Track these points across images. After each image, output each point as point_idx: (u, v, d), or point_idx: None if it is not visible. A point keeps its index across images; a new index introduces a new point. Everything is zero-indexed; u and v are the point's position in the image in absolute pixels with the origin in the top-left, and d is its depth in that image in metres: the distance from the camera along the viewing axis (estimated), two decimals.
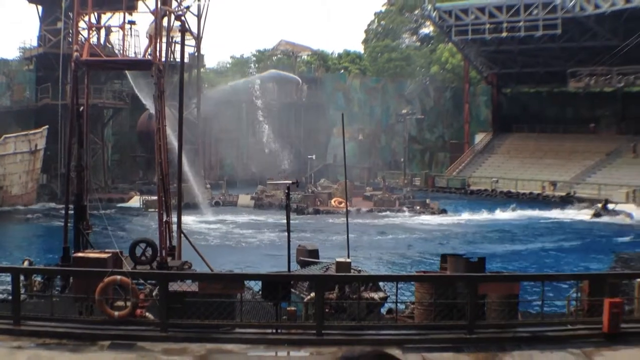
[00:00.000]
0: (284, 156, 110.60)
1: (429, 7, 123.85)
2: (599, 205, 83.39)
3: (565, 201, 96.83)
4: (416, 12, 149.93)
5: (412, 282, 25.76)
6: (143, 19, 63.41)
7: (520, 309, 25.18)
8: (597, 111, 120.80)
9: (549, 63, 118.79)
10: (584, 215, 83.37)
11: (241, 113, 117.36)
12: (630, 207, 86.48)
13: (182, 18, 42.98)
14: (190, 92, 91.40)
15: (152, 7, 36.43)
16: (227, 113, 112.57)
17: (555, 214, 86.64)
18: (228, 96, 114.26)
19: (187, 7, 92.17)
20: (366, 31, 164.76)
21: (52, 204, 76.66)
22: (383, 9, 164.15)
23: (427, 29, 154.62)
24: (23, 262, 30.96)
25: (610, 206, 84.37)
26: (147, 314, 22.46)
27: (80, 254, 28.05)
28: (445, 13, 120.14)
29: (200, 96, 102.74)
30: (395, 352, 19.62)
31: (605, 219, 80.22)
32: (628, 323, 23.25)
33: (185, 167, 40.97)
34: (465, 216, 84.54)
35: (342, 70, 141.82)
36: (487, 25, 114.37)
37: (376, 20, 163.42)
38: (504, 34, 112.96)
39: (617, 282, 26.38)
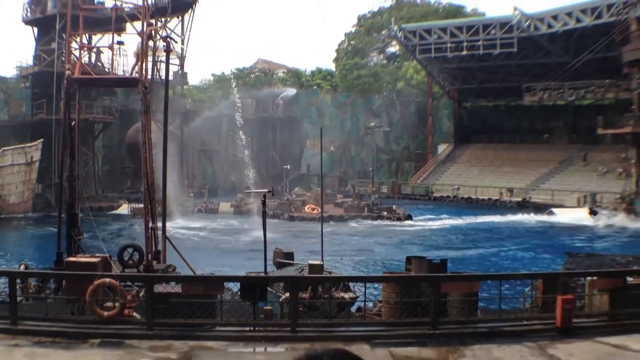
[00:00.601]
0: (252, 167, 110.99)
1: (395, 27, 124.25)
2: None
3: (521, 206, 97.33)
4: (383, 32, 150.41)
5: (380, 283, 25.83)
6: (131, 39, 63.73)
7: (479, 306, 25.28)
8: (550, 123, 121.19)
9: (506, 79, 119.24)
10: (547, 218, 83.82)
11: (222, 127, 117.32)
12: (581, 212, 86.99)
13: (168, 39, 43.10)
14: (176, 109, 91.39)
15: (140, 29, 36.64)
16: (209, 127, 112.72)
17: (518, 217, 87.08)
18: (209, 111, 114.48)
19: (170, 34, 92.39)
20: (337, 50, 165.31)
21: (47, 212, 76.55)
22: (353, 29, 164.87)
23: (394, 48, 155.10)
24: (19, 266, 30.91)
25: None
26: (134, 313, 22.47)
27: (72, 259, 28.00)
28: (410, 33, 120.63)
29: (185, 112, 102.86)
30: (364, 347, 19.86)
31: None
32: (579, 318, 23.36)
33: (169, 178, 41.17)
34: (429, 221, 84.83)
35: (315, 87, 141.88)
36: (449, 44, 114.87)
37: (346, 40, 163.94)
38: (464, 52, 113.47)
39: (569, 280, 26.51)
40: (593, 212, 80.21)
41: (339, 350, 2.85)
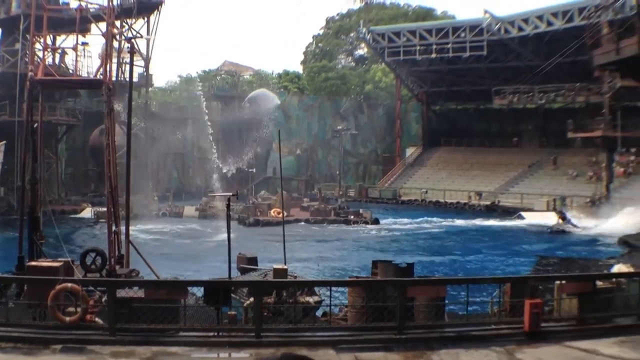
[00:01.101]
0: (218, 170, 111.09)
1: (364, 30, 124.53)
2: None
3: (490, 210, 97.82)
4: (351, 35, 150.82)
5: (345, 287, 25.84)
6: (96, 41, 63.64)
7: (446, 310, 25.34)
8: (520, 126, 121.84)
9: (476, 82, 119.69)
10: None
11: (186, 129, 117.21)
12: (550, 215, 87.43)
13: (132, 40, 43.12)
14: (140, 111, 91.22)
15: (104, 30, 36.65)
16: (174, 130, 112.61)
17: (488, 222, 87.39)
18: (175, 114, 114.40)
19: (135, 35, 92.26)
20: (305, 53, 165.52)
21: (9, 216, 76.11)
22: (321, 32, 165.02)
23: (362, 51, 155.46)
24: None
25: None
26: (96, 319, 22.38)
27: (33, 263, 27.87)
28: (378, 36, 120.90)
29: (151, 114, 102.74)
30: (329, 352, 19.86)
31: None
32: (548, 322, 23.49)
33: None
34: (396, 225, 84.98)
35: (282, 89, 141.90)
36: (418, 47, 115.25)
37: (314, 43, 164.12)
38: (434, 55, 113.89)
39: (537, 284, 26.60)
40: (563, 217, 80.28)
41: (287, 355, 2.85)
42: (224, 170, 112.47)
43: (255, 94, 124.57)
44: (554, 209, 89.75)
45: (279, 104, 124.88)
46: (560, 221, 77.91)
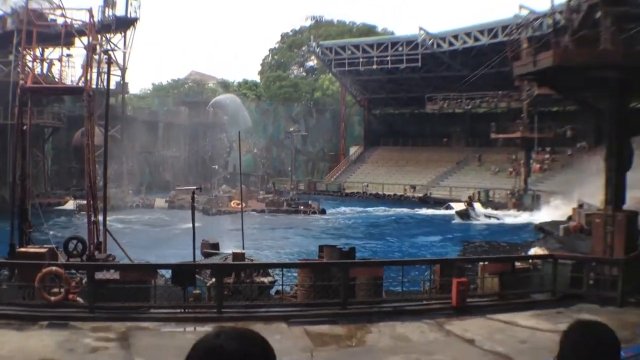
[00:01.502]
0: (185, 167, 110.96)
1: (314, 44, 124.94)
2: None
3: (423, 201, 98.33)
4: (303, 48, 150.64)
5: (296, 268, 25.90)
6: (79, 52, 63.37)
7: (384, 288, 25.42)
8: (449, 128, 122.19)
9: (411, 89, 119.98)
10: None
11: (158, 131, 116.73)
12: (476, 206, 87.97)
13: (110, 52, 43.00)
14: (117, 115, 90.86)
15: (86, 42, 36.79)
16: (147, 131, 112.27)
17: (422, 211, 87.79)
18: (148, 117, 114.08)
19: (113, 48, 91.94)
20: (262, 64, 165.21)
21: (2, 208, 75.41)
22: (276, 46, 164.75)
23: (312, 62, 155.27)
24: None
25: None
26: (78, 298, 22.47)
27: (23, 249, 27.85)
28: (326, 49, 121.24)
29: (126, 117, 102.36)
30: (282, 325, 19.94)
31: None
32: (473, 298, 23.78)
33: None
34: (342, 215, 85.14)
35: (242, 96, 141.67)
36: (361, 59, 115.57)
37: (270, 55, 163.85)
38: (375, 67, 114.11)
39: (463, 265, 26.74)
40: (470, 203, 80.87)
41: (239, 330, 2.80)
42: (190, 168, 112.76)
43: (220, 99, 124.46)
44: (479, 200, 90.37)
45: (242, 107, 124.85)
46: (466, 206, 78.45)
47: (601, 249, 27.38)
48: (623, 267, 24.06)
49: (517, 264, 26.46)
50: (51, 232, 41.94)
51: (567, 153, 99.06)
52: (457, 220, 75.36)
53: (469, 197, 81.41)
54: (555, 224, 61.85)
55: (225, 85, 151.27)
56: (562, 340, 3.65)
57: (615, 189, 28.28)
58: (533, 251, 38.00)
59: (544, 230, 60.59)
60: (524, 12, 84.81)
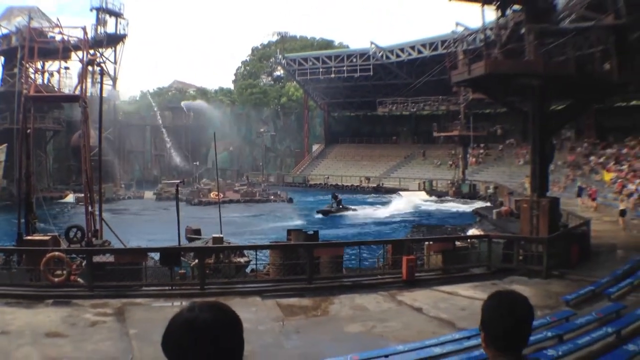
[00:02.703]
0: (170, 163, 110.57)
1: (280, 57, 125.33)
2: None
3: (376, 190, 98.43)
4: (271, 60, 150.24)
5: (267, 250, 25.93)
6: (75, 65, 63.09)
7: (344, 266, 25.50)
8: (398, 128, 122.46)
9: (364, 95, 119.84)
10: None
11: (145, 133, 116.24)
12: (421, 193, 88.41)
13: (102, 65, 42.75)
14: (109, 119, 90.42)
15: (81, 57, 36.76)
16: (136, 133, 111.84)
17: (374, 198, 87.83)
18: (136, 121, 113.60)
19: (104, 61, 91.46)
20: (235, 74, 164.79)
21: (11, 202, 74.92)
22: (247, 58, 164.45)
23: (279, 72, 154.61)
24: None
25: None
26: (78, 279, 22.63)
27: (29, 237, 27.84)
28: (291, 61, 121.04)
29: (117, 121, 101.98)
30: (256, 299, 20.04)
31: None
32: (420, 273, 23.98)
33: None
34: (307, 203, 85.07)
35: (218, 101, 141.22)
36: (321, 69, 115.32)
37: (242, 66, 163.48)
38: (333, 76, 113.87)
39: (412, 244, 26.86)
40: (336, 198, 77.13)
41: (210, 302, 2.81)
42: (175, 164, 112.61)
43: (190, 103, 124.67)
44: (424, 188, 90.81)
45: (210, 108, 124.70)
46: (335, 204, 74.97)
47: (528, 229, 27.73)
48: (547, 244, 24.37)
49: (458, 243, 26.71)
50: (53, 222, 41.78)
51: (498, 148, 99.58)
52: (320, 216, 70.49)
53: (335, 195, 77.64)
54: (488, 208, 62.22)
55: (204, 93, 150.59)
56: (483, 307, 3.70)
57: (540, 179, 28.61)
58: (471, 232, 38.30)
59: (480, 214, 60.86)
60: (460, 29, 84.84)
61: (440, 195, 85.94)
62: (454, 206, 75.46)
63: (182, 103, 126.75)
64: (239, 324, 2.76)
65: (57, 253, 22.37)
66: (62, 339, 15.77)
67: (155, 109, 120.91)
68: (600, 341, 13.77)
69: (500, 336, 3.59)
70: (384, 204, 78.83)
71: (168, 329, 2.71)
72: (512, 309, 3.62)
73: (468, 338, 13.94)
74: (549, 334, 14.06)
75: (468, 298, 20.18)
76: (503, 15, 29.62)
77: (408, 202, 78.39)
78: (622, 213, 41.35)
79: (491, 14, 30.04)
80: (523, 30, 28.53)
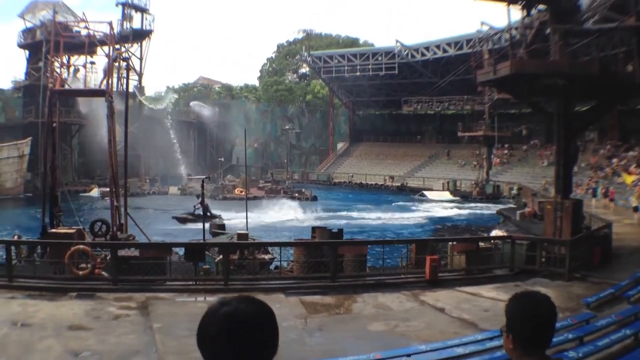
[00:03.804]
0: (195, 159, 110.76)
1: (306, 54, 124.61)
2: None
3: (400, 189, 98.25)
4: (296, 57, 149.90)
5: (292, 247, 25.94)
6: (101, 60, 63.38)
7: (368, 264, 25.56)
8: (422, 127, 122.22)
9: (389, 94, 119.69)
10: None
11: (171, 128, 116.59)
12: (445, 193, 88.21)
13: (128, 60, 43.05)
14: (135, 115, 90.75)
15: (107, 52, 36.89)
16: (161, 128, 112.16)
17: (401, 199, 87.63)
18: (162, 117, 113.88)
19: (130, 56, 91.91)
20: (261, 70, 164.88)
21: (35, 195, 75.41)
22: (273, 55, 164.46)
23: (304, 69, 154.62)
24: (13, 236, 30.65)
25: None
26: (102, 272, 22.69)
27: (54, 230, 27.99)
28: (316, 58, 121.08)
29: (143, 116, 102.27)
30: (280, 295, 20.06)
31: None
32: (443, 273, 23.88)
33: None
34: (332, 201, 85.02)
35: (243, 98, 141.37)
36: (346, 67, 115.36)
37: (268, 63, 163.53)
38: (358, 74, 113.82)
39: (435, 244, 26.84)
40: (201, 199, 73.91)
41: (243, 295, 2.84)
42: (199, 160, 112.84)
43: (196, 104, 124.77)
44: (447, 188, 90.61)
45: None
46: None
47: (552, 231, 27.63)
48: (570, 246, 24.27)
49: (481, 243, 26.64)
50: (78, 215, 41.92)
51: (522, 149, 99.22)
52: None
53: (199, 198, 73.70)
54: (512, 209, 61.97)
55: (229, 89, 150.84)
56: (508, 308, 3.73)
57: (564, 181, 28.51)
58: (494, 233, 38.26)
59: (503, 215, 60.63)
60: (485, 28, 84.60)
61: (464, 196, 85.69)
62: (476, 211, 74.91)
63: (191, 103, 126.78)
64: (274, 315, 2.81)
65: (82, 246, 22.49)
66: (85, 332, 15.83)
67: (182, 105, 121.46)
68: (618, 343, 13.77)
69: (526, 337, 3.61)
70: (407, 208, 78.27)
71: (206, 322, 2.73)
72: (538, 309, 3.65)
73: (491, 339, 13.92)
74: (570, 335, 14.05)
75: (491, 299, 20.12)
76: (528, 14, 29.52)
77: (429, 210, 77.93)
78: (636, 209, 42.57)
79: (516, 13, 29.97)
80: (548, 30, 28.43)
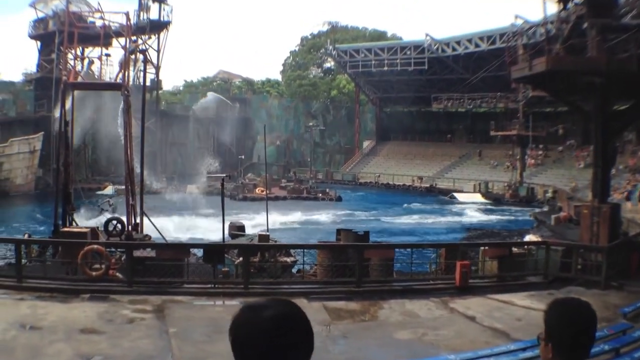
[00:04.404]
0: (213, 157, 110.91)
1: (331, 48, 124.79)
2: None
3: (429, 191, 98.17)
4: (321, 51, 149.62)
5: (315, 249, 25.92)
6: (117, 52, 63.36)
7: (395, 269, 25.51)
8: (452, 126, 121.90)
9: (418, 90, 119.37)
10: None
11: (189, 124, 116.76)
12: (477, 196, 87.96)
13: (145, 52, 43.19)
14: (151, 110, 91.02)
15: (123, 44, 36.98)
16: (179, 124, 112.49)
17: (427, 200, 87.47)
18: (179, 112, 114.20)
19: (147, 48, 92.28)
20: (283, 64, 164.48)
21: (46, 192, 75.86)
22: (296, 48, 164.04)
23: (329, 64, 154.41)
24: (24, 235, 30.82)
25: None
26: (117, 274, 22.74)
27: (66, 229, 28.05)
28: (342, 52, 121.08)
29: (160, 111, 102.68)
30: (302, 300, 20.01)
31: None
32: (474, 279, 23.80)
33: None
34: (358, 202, 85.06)
35: (265, 93, 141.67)
36: (373, 62, 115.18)
37: (291, 57, 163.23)
38: (385, 68, 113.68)
39: (466, 249, 26.78)
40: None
41: (276, 298, 2.88)
42: (218, 157, 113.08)
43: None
44: (479, 190, 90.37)
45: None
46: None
47: (588, 237, 27.47)
48: (607, 253, 24.13)
49: (514, 249, 26.55)
50: (92, 214, 42.08)
51: (557, 150, 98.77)
52: None
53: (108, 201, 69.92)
54: (546, 213, 61.78)
55: (250, 83, 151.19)
56: (549, 316, 3.72)
57: (601, 184, 28.36)
58: (528, 238, 38.14)
59: (537, 219, 60.46)
60: (519, 22, 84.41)
61: (496, 199, 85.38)
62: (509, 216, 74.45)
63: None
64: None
65: (95, 246, 22.53)
66: (97, 335, 15.86)
67: (201, 100, 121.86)
68: None
69: (566, 345, 3.60)
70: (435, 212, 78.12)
71: (249, 328, 2.76)
72: (578, 316, 3.65)
73: (523, 349, 13.85)
74: (606, 347, 13.98)
75: (524, 308, 20.02)
76: (565, 8, 29.40)
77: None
78: None
79: (552, 6, 29.84)
80: (585, 25, 28.29)
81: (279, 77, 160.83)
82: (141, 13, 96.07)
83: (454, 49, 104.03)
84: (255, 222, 51.34)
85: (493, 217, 70.79)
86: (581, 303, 3.77)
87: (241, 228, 37.61)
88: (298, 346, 2.77)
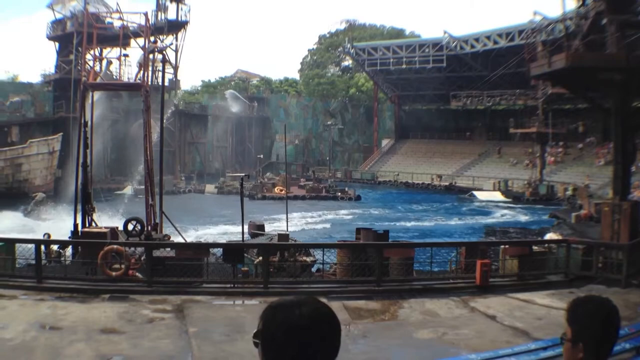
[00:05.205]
0: (232, 156, 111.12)
1: (349, 46, 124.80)
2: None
3: (449, 189, 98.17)
4: (339, 49, 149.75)
5: (335, 249, 25.90)
6: (135, 52, 63.53)
7: (415, 268, 25.45)
8: (471, 123, 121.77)
9: (437, 87, 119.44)
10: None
11: (207, 123, 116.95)
12: (496, 194, 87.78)
13: (164, 52, 43.22)
14: (170, 109, 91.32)
15: (142, 44, 37.01)
16: (197, 123, 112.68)
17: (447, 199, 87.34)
18: (198, 111, 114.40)
19: (168, 45, 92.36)
20: (301, 63, 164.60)
21: (66, 193, 76.12)
22: (314, 46, 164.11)
23: (347, 62, 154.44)
24: (44, 236, 30.88)
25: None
26: (137, 274, 22.77)
27: (86, 229, 28.21)
28: (360, 50, 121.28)
29: (177, 110, 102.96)
30: (322, 300, 19.84)
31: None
32: (494, 278, 23.75)
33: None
34: (375, 201, 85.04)
35: (283, 92, 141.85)
36: (391, 60, 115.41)
37: (309, 55, 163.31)
38: (404, 66, 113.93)
39: (486, 248, 26.68)
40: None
41: (305, 297, 2.91)
42: (237, 157, 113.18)
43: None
44: (499, 189, 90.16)
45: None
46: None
47: (609, 235, 27.32)
48: (628, 251, 24.03)
49: (535, 247, 26.45)
50: (111, 214, 42.21)
51: (577, 147, 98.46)
52: None
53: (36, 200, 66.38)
54: (567, 211, 61.56)
55: (268, 82, 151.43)
56: (577, 314, 3.71)
57: (622, 181, 28.25)
58: (548, 236, 37.92)
59: (557, 217, 60.25)
60: (538, 18, 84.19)
61: (516, 197, 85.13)
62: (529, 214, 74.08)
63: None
64: None
65: (115, 246, 22.59)
66: (117, 335, 15.88)
67: (219, 100, 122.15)
68: None
69: (600, 343, 3.60)
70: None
71: (287, 327, 2.79)
72: (609, 313, 3.65)
73: (544, 349, 13.80)
74: (627, 345, 13.87)
75: (545, 307, 19.95)
76: (583, 4, 29.31)
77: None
78: None
79: (571, 2, 29.79)
80: (605, 21, 28.18)
81: (297, 76, 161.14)
82: (158, 13, 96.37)
83: (472, 46, 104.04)
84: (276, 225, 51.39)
85: (513, 215, 70.59)
86: (604, 299, 3.79)
87: (261, 227, 37.66)
88: (331, 343, 2.82)
